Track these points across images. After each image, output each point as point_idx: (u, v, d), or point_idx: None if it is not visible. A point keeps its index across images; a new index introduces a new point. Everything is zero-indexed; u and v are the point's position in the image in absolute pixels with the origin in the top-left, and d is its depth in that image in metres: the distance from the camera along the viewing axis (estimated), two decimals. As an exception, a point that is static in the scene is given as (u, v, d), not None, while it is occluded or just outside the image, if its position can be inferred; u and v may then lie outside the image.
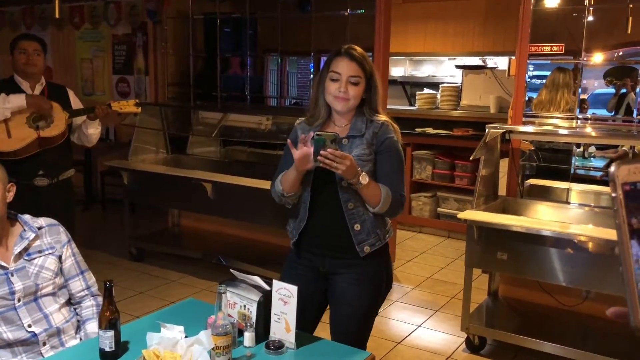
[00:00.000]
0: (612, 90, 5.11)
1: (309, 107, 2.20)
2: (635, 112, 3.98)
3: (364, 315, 2.18)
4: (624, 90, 4.68)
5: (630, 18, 3.76)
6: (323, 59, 6.64)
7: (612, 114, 4.73)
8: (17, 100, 3.20)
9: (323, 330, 2.26)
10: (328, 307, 2.27)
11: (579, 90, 4.30)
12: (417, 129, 6.08)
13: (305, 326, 2.18)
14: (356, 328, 2.18)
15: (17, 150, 3.23)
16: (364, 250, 2.09)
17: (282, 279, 2.13)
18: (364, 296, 2.14)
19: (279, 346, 1.86)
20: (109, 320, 1.75)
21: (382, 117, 2.13)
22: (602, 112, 5.40)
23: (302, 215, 2.14)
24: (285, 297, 1.89)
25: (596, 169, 4.63)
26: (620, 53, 4.49)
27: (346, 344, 2.01)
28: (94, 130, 3.49)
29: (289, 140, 2.06)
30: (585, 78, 5.13)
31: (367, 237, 2.09)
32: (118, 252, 5.02)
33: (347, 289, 2.13)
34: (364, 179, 1.97)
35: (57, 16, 6.71)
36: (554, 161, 4.38)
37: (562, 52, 3.82)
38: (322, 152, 1.88)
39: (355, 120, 2.12)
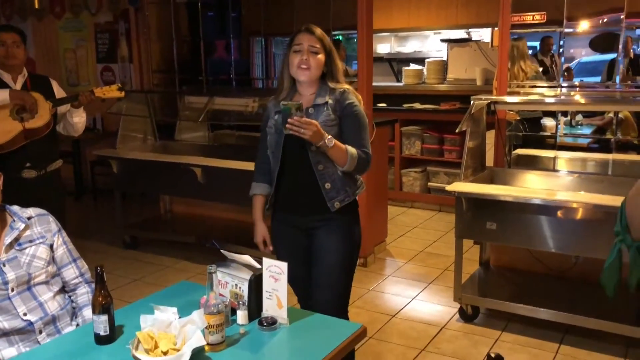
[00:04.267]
0: (599, 57, 5.12)
1: (277, 85, 2.42)
2: (617, 78, 4.00)
3: (343, 262, 2.37)
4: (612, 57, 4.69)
5: (613, -17, 3.76)
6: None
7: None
8: (0, 95, 3.17)
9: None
10: None
11: (562, 59, 4.31)
12: (405, 105, 6.09)
13: (304, 285, 2.41)
14: (337, 275, 2.37)
15: (4, 143, 3.21)
16: (335, 206, 2.30)
17: (276, 251, 2.41)
18: (340, 244, 2.35)
19: (271, 322, 1.89)
20: (102, 305, 1.77)
21: (344, 86, 2.34)
22: (590, 80, 5.40)
23: (272, 184, 2.40)
24: (275, 274, 1.92)
25: (584, 136, 4.67)
26: (605, 20, 4.49)
27: (329, 292, 2.28)
28: (79, 119, 3.47)
29: (261, 126, 2.37)
30: (572, 47, 5.14)
31: (336, 194, 2.31)
32: (111, 241, 5.03)
33: (324, 239, 2.35)
34: (330, 142, 2.17)
35: (36, 6, 6.65)
36: (540, 130, 4.41)
37: (544, 20, 3.83)
38: (289, 120, 2.08)
39: (319, 90, 2.33)
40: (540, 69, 4.90)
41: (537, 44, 5.30)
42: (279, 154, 2.32)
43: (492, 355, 2.27)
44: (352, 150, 2.25)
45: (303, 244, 2.40)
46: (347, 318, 2.38)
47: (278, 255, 2.41)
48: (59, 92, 3.49)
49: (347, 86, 2.35)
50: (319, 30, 2.31)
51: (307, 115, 2.22)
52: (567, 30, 4.04)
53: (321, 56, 2.28)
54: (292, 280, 2.35)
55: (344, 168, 2.26)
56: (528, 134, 4.28)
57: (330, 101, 2.28)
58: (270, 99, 2.45)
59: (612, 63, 4.72)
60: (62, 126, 3.51)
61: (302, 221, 2.37)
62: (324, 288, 2.36)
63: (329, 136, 2.18)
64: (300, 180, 2.32)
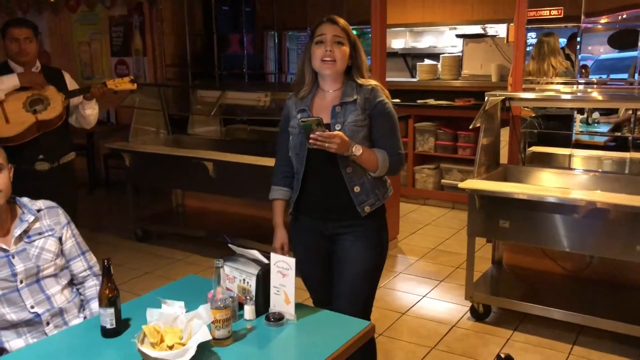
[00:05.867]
0: (618, 55, 5.01)
1: (295, 80, 2.26)
2: (636, 75, 3.92)
3: (368, 273, 2.23)
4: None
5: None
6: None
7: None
8: (10, 81, 3.18)
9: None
10: None
11: (579, 56, 4.23)
12: (419, 101, 6.04)
13: (323, 291, 2.28)
14: (361, 286, 2.22)
15: (17, 135, 3.22)
16: (365, 210, 2.15)
17: (296, 254, 2.22)
18: (369, 253, 2.20)
19: (279, 318, 1.87)
20: (109, 298, 1.76)
21: (372, 82, 2.18)
22: (616, 77, 5.25)
23: (296, 187, 2.24)
24: (283, 269, 1.90)
25: (601, 134, 4.59)
26: (625, 16, 4.39)
27: (351, 306, 2.07)
28: (91, 111, 3.47)
29: (280, 125, 2.22)
30: (590, 44, 5.04)
31: (366, 198, 2.16)
32: (123, 234, 5.05)
33: (350, 246, 2.19)
34: (358, 150, 2.05)
35: (52, 0, 6.69)
36: (556, 128, 4.34)
37: (562, 15, 3.76)
38: (311, 135, 1.97)
39: (345, 87, 2.16)
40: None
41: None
42: (303, 155, 2.16)
43: (502, 355, 2.23)
44: (382, 154, 2.12)
45: (325, 250, 2.25)
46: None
47: (298, 263, 2.24)
48: (71, 84, 3.50)
49: (374, 82, 2.19)
50: (342, 21, 2.15)
51: (335, 114, 2.11)
52: (585, 26, 3.96)
53: (346, 48, 2.12)
54: (309, 284, 2.30)
55: (376, 174, 2.14)
56: (543, 132, 4.22)
57: (358, 99, 2.12)
58: (289, 96, 2.28)
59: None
60: (74, 118, 3.52)
61: (327, 227, 2.21)
62: (345, 299, 2.20)
63: (356, 145, 2.05)
64: (327, 183, 2.17)
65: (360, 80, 2.16)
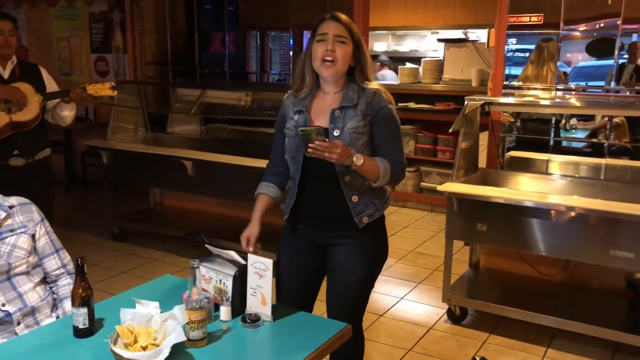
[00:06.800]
0: (596, 62, 5.08)
1: (294, 80, 2.15)
2: (612, 83, 3.99)
3: (362, 286, 2.17)
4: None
5: (611, -12, 3.74)
6: (305, 35, 6.58)
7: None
8: None
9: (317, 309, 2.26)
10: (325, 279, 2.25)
11: (557, 62, 4.28)
12: (400, 104, 6.06)
13: (306, 301, 2.20)
14: (354, 299, 2.16)
15: None
16: (362, 221, 2.06)
17: (279, 256, 2.16)
18: (362, 266, 2.12)
19: (255, 319, 1.86)
20: (82, 297, 1.73)
21: (374, 86, 2.07)
22: (593, 84, 5.31)
23: (292, 192, 2.13)
24: (260, 270, 1.89)
25: (578, 140, 4.65)
26: (602, 24, 4.46)
27: (343, 316, 2.00)
28: (68, 112, 3.42)
29: (276, 125, 2.10)
30: (569, 52, 5.10)
31: (365, 208, 2.07)
32: (100, 233, 4.99)
33: (346, 259, 2.10)
34: (359, 160, 1.92)
35: (31, -6, 6.57)
36: (534, 133, 4.38)
37: (542, 22, 3.80)
38: (310, 145, 1.84)
39: (347, 89, 2.05)
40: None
41: (533, 47, 5.27)
42: (299, 159, 2.05)
43: (478, 358, 2.25)
44: (384, 163, 2.00)
45: (312, 260, 2.17)
46: (361, 330, 2.27)
47: (279, 265, 2.19)
48: (48, 81, 3.44)
49: (377, 86, 2.07)
50: (346, 18, 2.03)
51: (334, 119, 2.01)
52: (563, 33, 4.01)
53: (349, 47, 2.00)
54: (283, 287, 2.21)
55: (376, 184, 2.02)
56: (522, 137, 4.25)
57: (360, 104, 2.02)
58: (287, 95, 2.17)
59: (621, 68, 4.69)
60: (50, 115, 3.47)
61: (322, 236, 2.12)
62: (336, 307, 2.14)
63: (357, 154, 1.92)
64: (324, 191, 2.07)
65: (363, 83, 2.05)
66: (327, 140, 1.86)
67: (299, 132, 1.89)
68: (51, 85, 3.43)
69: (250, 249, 2.08)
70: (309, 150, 1.86)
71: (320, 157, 1.86)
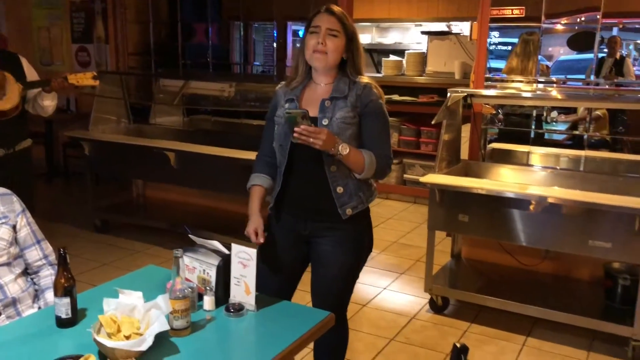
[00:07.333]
0: (576, 56, 5.16)
1: (292, 72, 2.18)
2: (592, 76, 4.05)
3: (346, 278, 2.19)
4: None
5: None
6: (289, 26, 6.56)
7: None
8: None
9: (301, 299, 2.28)
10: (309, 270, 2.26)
11: (539, 55, 4.33)
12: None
13: (286, 290, 2.23)
14: (337, 290, 2.19)
15: None
16: (346, 213, 2.07)
17: (262, 246, 2.12)
18: (346, 259, 2.14)
19: (239, 309, 1.87)
20: (64, 287, 1.73)
21: (365, 79, 2.10)
22: (574, 77, 5.40)
23: (278, 181, 2.14)
24: (244, 260, 1.89)
25: (559, 132, 4.72)
26: (582, 18, 4.52)
27: (327, 306, 2.01)
28: (49, 102, 3.38)
29: (267, 115, 2.08)
30: (550, 45, 5.16)
31: (349, 200, 2.08)
32: (82, 224, 4.95)
33: (330, 251, 2.12)
34: (344, 149, 1.94)
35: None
36: (516, 125, 4.44)
37: (523, 15, 3.84)
38: (296, 129, 1.86)
39: (338, 81, 2.08)
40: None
41: (515, 40, 5.32)
42: (287, 147, 2.06)
43: (458, 345, 2.28)
44: (370, 156, 2.02)
45: (296, 253, 2.19)
46: (345, 320, 2.29)
47: (264, 256, 2.13)
48: (29, 70, 3.40)
49: (369, 80, 2.10)
50: (340, 11, 2.06)
51: (323, 108, 2.03)
52: (545, 26, 4.06)
53: (340, 40, 2.03)
54: (264, 275, 2.14)
55: (361, 176, 2.04)
56: (504, 129, 4.31)
57: (350, 96, 2.04)
58: (280, 85, 2.19)
59: (601, 62, 4.76)
60: (31, 106, 3.42)
61: (305, 226, 2.13)
62: (320, 297, 2.17)
63: (343, 143, 1.94)
64: (309, 180, 2.08)
65: (354, 77, 2.08)
66: (312, 125, 1.88)
67: (284, 114, 1.93)
68: (32, 75, 3.38)
69: (261, 240, 2.08)
70: (295, 135, 1.87)
71: (305, 142, 1.88)
